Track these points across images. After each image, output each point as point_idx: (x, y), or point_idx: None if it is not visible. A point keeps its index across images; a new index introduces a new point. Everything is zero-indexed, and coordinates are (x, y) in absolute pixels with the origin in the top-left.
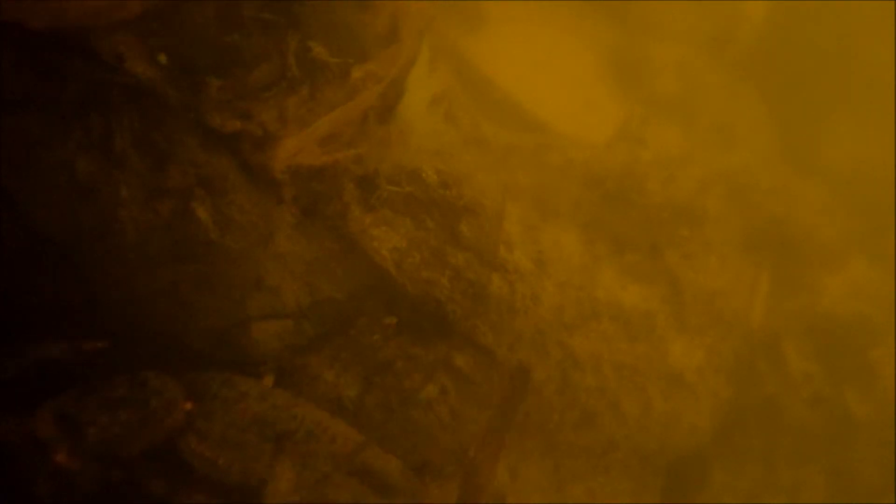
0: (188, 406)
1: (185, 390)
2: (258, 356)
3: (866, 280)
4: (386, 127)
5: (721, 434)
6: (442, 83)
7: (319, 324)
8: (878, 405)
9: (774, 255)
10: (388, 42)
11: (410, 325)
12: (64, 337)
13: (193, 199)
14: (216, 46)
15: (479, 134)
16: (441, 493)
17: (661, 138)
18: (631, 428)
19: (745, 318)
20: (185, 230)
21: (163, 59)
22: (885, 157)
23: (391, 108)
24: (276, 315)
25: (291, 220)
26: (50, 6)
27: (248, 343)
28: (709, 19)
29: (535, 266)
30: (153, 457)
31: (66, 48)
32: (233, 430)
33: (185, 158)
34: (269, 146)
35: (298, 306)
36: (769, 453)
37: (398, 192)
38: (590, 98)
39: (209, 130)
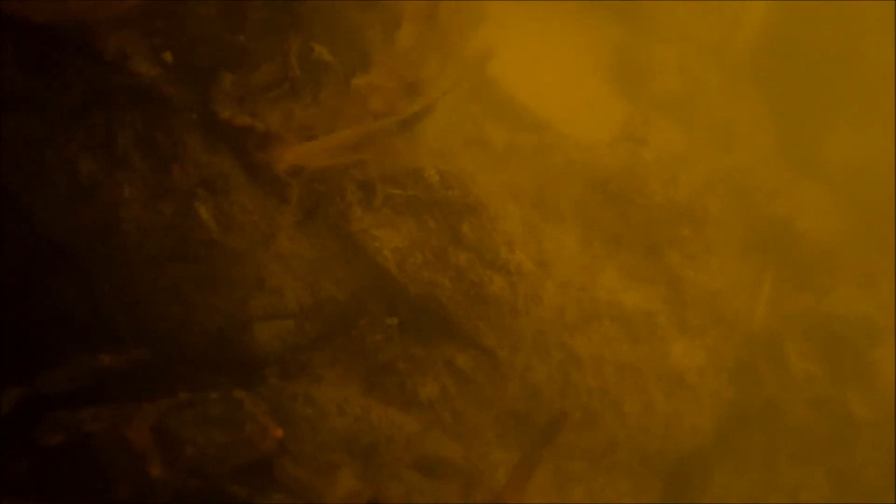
0: (279, 433)
1: (269, 408)
2: (260, 356)
3: (867, 281)
4: (395, 137)
5: (722, 435)
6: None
7: (321, 324)
8: (880, 406)
9: (776, 255)
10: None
11: (412, 326)
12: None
13: (196, 199)
14: (220, 45)
15: (481, 134)
16: (442, 493)
17: (662, 138)
18: (632, 429)
19: (746, 319)
20: (187, 230)
21: (168, 57)
22: (886, 157)
23: (411, 125)
24: (278, 315)
25: (293, 220)
26: None
27: (250, 343)
28: (710, 19)
29: (537, 266)
30: (241, 475)
31: (69, 47)
32: (324, 452)
33: (187, 158)
34: (273, 146)
35: (300, 306)
36: (770, 454)
37: (400, 193)
38: (591, 98)
39: (212, 130)
